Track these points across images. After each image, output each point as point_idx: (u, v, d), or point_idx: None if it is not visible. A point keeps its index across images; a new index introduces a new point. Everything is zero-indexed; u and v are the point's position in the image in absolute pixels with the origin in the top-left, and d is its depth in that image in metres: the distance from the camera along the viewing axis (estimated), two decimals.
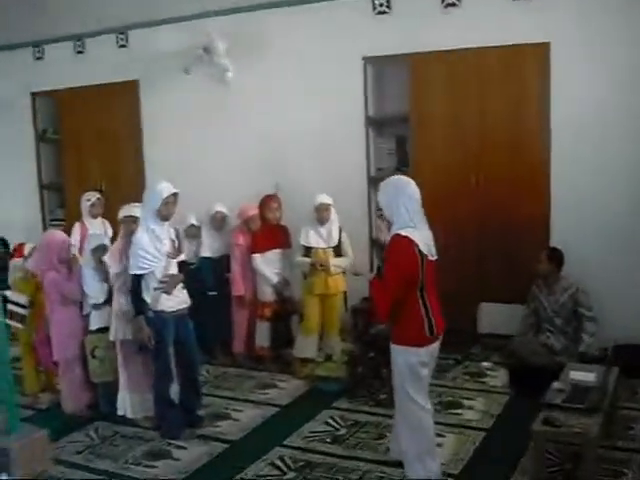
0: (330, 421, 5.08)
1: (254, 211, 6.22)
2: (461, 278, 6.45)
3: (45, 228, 8.42)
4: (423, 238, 3.94)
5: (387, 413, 5.08)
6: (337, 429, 4.95)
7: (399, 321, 3.99)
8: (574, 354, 5.39)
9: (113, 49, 7.83)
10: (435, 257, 4.04)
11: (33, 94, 8.43)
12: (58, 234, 5.63)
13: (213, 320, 6.37)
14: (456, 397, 5.38)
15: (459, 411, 5.14)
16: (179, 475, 4.42)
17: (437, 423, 4.74)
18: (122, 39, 7.77)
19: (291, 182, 6.90)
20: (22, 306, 5.62)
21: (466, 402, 5.28)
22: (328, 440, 4.78)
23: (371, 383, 5.48)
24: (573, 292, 5.55)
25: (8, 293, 5.70)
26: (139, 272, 4.73)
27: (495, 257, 6.41)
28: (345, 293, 6.10)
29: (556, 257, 5.65)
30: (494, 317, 6.50)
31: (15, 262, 5.92)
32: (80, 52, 8.05)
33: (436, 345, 4.10)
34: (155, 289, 4.78)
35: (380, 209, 4.15)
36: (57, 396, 5.66)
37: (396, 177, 4.17)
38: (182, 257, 5.05)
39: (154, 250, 4.74)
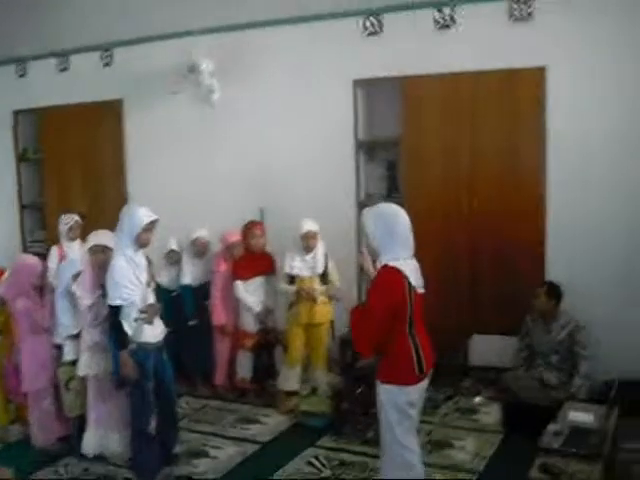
0: (314, 461, 4.81)
1: (236, 237, 5.99)
2: (453, 308, 6.25)
3: (25, 249, 8.15)
4: (411, 271, 3.71)
5: (375, 453, 4.76)
6: (321, 470, 4.68)
7: (386, 358, 3.75)
8: (571, 390, 5.15)
9: (97, 67, 7.59)
10: (423, 290, 3.80)
11: (15, 112, 8.18)
12: (30, 259, 5.37)
13: (194, 350, 6.15)
14: (447, 436, 5.11)
15: (449, 452, 4.87)
16: None
17: (426, 465, 4.45)
18: (107, 57, 7.54)
19: (277, 206, 6.71)
20: None
21: (457, 442, 5.01)
22: None
23: (358, 420, 5.22)
24: (571, 329, 5.30)
25: None
26: (120, 303, 4.44)
27: (488, 286, 6.19)
28: (332, 322, 5.84)
29: (555, 293, 5.39)
30: (486, 349, 6.26)
31: None
32: (64, 69, 7.81)
33: (425, 383, 3.85)
34: (136, 320, 4.52)
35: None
36: (27, 428, 5.37)
37: (385, 205, 3.90)
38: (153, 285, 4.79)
39: (134, 279, 4.48)
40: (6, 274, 5.57)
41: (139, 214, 4.49)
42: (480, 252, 6.17)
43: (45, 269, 5.32)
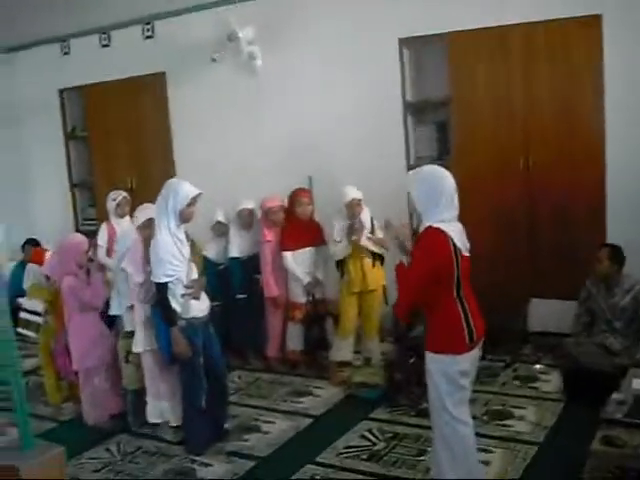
0: (367, 434, 4.67)
1: (274, 202, 5.83)
2: (510, 272, 6.03)
3: (77, 228, 8.19)
4: (457, 232, 3.51)
5: (429, 424, 4.64)
6: (374, 443, 4.54)
7: (434, 325, 3.55)
8: (636, 356, 4.88)
9: (139, 41, 7.52)
10: (468, 253, 3.58)
11: (61, 91, 8.18)
12: (75, 237, 5.35)
13: (244, 323, 6.06)
14: (505, 406, 4.90)
15: (508, 422, 4.65)
16: None
17: (483, 436, 4.37)
18: (148, 30, 7.45)
19: (325, 173, 6.52)
20: (37, 314, 5.39)
21: (516, 411, 4.79)
22: (364, 457, 4.37)
23: (411, 390, 5.07)
24: (636, 293, 4.99)
25: (22, 300, 5.46)
26: (166, 280, 4.35)
27: (546, 249, 5.95)
28: (384, 287, 5.64)
29: (618, 257, 5.05)
30: (546, 314, 6.01)
31: (31, 267, 5.62)
32: (106, 45, 7.76)
33: (477, 351, 3.63)
34: (183, 295, 4.44)
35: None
36: (80, 406, 5.37)
37: (429, 167, 3.69)
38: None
39: (179, 254, 4.38)
40: (49, 254, 5.58)
41: (184, 189, 4.39)
42: (537, 212, 5.93)
43: (91, 247, 5.28)
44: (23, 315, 5.45)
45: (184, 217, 4.40)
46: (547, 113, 5.81)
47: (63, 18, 7.56)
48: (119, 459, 4.63)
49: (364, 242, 5.43)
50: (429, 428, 4.48)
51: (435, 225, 3.45)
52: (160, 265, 4.31)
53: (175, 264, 4.34)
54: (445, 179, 3.51)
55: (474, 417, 4.59)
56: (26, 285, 5.46)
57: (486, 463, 4.11)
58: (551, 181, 5.84)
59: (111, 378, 5.14)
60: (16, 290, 7.78)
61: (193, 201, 4.39)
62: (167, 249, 4.31)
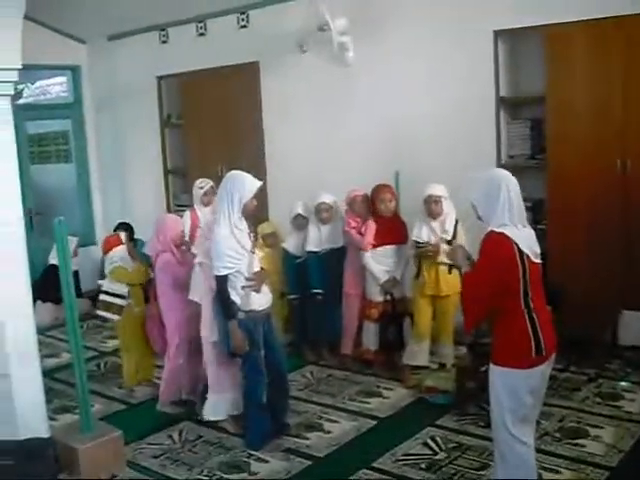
0: (430, 442, 4.50)
1: (358, 192, 5.74)
2: (600, 281, 5.67)
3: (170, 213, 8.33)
4: (524, 237, 3.30)
5: None
6: (436, 452, 4.36)
7: (499, 336, 3.37)
8: None
9: (234, 30, 7.51)
10: (539, 259, 3.36)
11: (159, 78, 8.32)
12: (173, 218, 5.51)
13: (320, 318, 5.98)
14: (581, 423, 4.60)
15: (582, 441, 4.36)
16: None
17: (553, 455, 4.17)
18: (243, 19, 7.45)
19: (413, 170, 6.31)
20: (119, 296, 5.47)
21: (592, 430, 4.49)
22: (423, 466, 4.20)
23: (483, 400, 4.84)
24: None
25: (103, 282, 5.56)
26: (226, 272, 4.31)
27: None
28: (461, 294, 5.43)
29: None
30: (639, 328, 5.62)
31: (115, 251, 5.69)
32: (202, 34, 7.82)
33: (546, 366, 3.39)
34: (243, 288, 4.39)
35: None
36: (152, 390, 5.47)
37: (489, 171, 3.57)
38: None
39: (239, 247, 4.33)
40: (123, 236, 5.67)
41: (249, 181, 4.36)
42: (633, 217, 5.52)
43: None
44: (103, 297, 5.55)
45: (248, 209, 4.36)
46: None
47: (162, 7, 7.64)
48: (179, 447, 4.65)
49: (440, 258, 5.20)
50: None
51: (498, 230, 3.27)
52: (220, 258, 4.27)
53: (235, 257, 4.30)
54: (504, 181, 3.33)
55: (546, 433, 4.44)
56: (107, 269, 5.53)
57: None
58: None
59: (190, 360, 5.15)
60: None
61: (256, 193, 4.34)
62: (227, 242, 4.27)
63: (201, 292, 4.78)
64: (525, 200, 6.06)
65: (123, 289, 5.47)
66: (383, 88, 6.65)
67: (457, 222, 5.35)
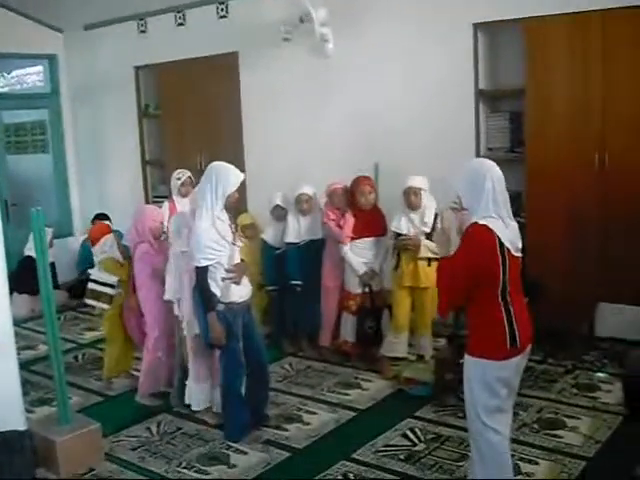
0: (409, 433, 4.51)
1: (339, 185, 5.75)
2: (578, 274, 5.71)
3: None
4: (507, 231, 3.30)
5: None
6: (415, 444, 4.37)
7: (475, 328, 3.40)
8: None
9: (213, 20, 7.46)
10: (519, 254, 3.37)
11: (136, 68, 8.25)
12: (152, 208, 5.46)
13: (298, 310, 5.99)
14: (559, 415, 4.63)
15: (559, 432, 4.39)
16: None
17: (531, 445, 4.20)
18: (222, 9, 7.39)
19: (392, 162, 6.32)
20: (109, 285, 5.42)
21: (570, 422, 4.52)
22: (402, 457, 4.21)
23: (461, 391, 4.85)
24: None
25: (92, 271, 5.50)
26: (206, 264, 4.28)
27: (619, 253, 5.57)
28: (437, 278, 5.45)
29: None
30: (615, 320, 5.66)
31: (105, 241, 5.63)
32: (181, 24, 7.75)
33: (521, 358, 3.41)
34: (223, 279, 4.37)
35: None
36: (130, 382, 5.44)
37: (473, 161, 3.58)
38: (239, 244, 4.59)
39: (220, 238, 4.30)
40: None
41: (233, 173, 4.35)
42: (611, 211, 5.57)
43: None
44: (92, 286, 5.48)
45: (230, 201, 4.35)
46: (627, 109, 5.44)
47: None
48: (157, 439, 4.63)
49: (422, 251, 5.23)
50: None
51: (482, 222, 3.27)
52: (200, 249, 4.25)
53: (216, 248, 4.28)
54: (488, 174, 3.30)
55: (524, 424, 4.47)
56: (98, 258, 5.45)
57: (529, 475, 3.91)
58: (628, 179, 5.48)
59: (168, 352, 5.14)
60: (85, 264, 7.95)
61: (238, 186, 4.34)
62: (208, 233, 4.25)
63: (175, 289, 4.77)
64: None
65: (113, 278, 5.41)
66: (363, 80, 6.64)
67: (437, 215, 5.35)
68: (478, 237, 3.28)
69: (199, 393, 4.81)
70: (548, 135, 5.81)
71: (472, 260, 3.26)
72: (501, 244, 3.25)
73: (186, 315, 4.71)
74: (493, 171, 3.33)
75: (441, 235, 4.02)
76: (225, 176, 4.31)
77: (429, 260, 5.23)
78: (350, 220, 5.60)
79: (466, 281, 3.29)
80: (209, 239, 4.24)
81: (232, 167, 4.39)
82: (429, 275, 5.16)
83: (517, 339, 3.29)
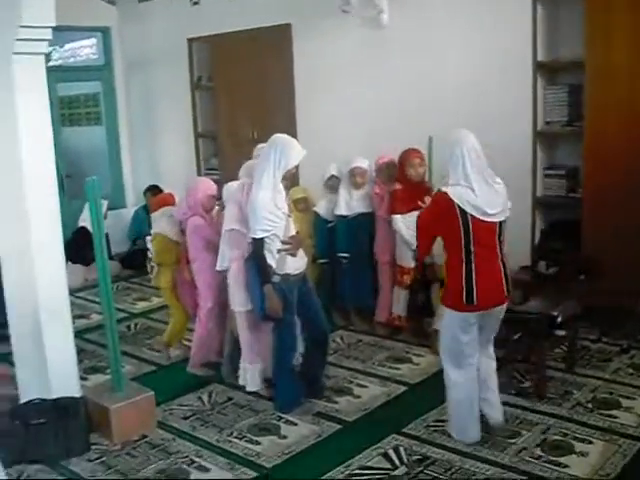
0: None
1: (386, 158, 5.68)
2: (636, 252, 5.52)
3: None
4: (475, 197, 3.66)
5: (527, 405, 4.43)
6: None
7: (446, 281, 3.94)
8: None
9: None
10: (496, 218, 3.75)
11: (189, 40, 8.24)
12: (204, 180, 5.45)
13: (350, 283, 5.94)
14: (614, 395, 4.54)
15: (614, 412, 4.30)
16: (281, 456, 4.03)
17: (585, 425, 4.15)
18: None
19: (446, 136, 6.19)
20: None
21: (625, 402, 4.43)
22: None
23: (514, 368, 4.82)
24: None
25: (148, 239, 5.54)
26: (263, 235, 4.27)
27: None
28: None
29: None
30: None
31: (163, 211, 5.65)
32: None
33: (483, 314, 3.85)
34: (279, 251, 4.35)
35: None
36: (182, 352, 5.50)
37: (455, 131, 3.88)
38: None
39: (277, 210, 4.29)
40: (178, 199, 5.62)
41: (297, 148, 4.34)
42: None
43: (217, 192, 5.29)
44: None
45: (290, 174, 4.37)
46: None
47: None
48: (209, 408, 4.67)
49: None
50: (527, 409, 4.35)
51: (444, 189, 3.73)
52: (258, 220, 4.24)
53: (273, 219, 4.26)
54: (466, 139, 3.74)
55: (578, 404, 4.40)
56: (155, 226, 5.46)
57: (584, 454, 3.85)
58: None
59: (220, 324, 5.18)
60: (137, 232, 8.07)
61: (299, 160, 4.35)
62: (267, 205, 4.23)
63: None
64: (559, 168, 6.06)
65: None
66: (418, 52, 6.53)
67: None
68: (435, 203, 3.87)
69: (254, 374, 4.81)
70: (609, 108, 5.61)
71: (427, 222, 3.89)
72: (462, 210, 3.64)
73: (232, 290, 4.72)
74: (465, 140, 3.74)
75: None
76: (290, 149, 4.29)
77: None
78: (398, 193, 5.55)
79: (425, 237, 3.95)
80: (266, 210, 4.23)
81: (295, 141, 4.39)
82: None
83: (473, 298, 3.71)
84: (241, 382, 4.86)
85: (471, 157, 3.69)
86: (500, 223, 3.79)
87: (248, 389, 4.81)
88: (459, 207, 3.65)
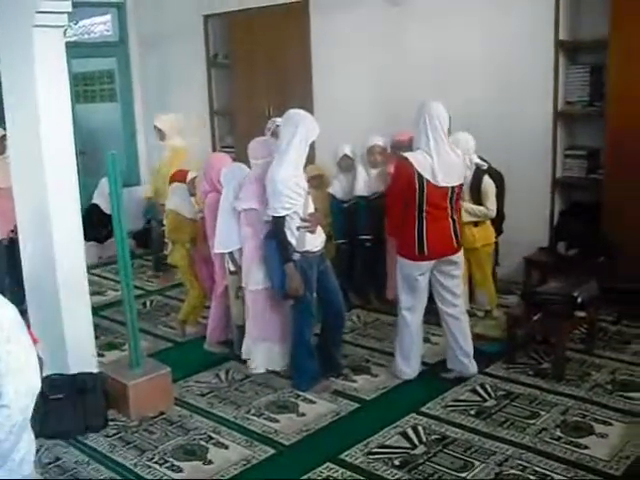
0: (479, 389, 4.45)
1: (405, 136, 5.53)
2: None
3: None
4: (432, 162, 4.10)
5: (546, 386, 4.40)
6: (485, 399, 4.32)
7: (401, 234, 4.37)
8: None
9: None
10: (449, 184, 4.19)
11: (206, 16, 8.17)
12: (220, 156, 5.44)
13: (368, 264, 5.91)
14: (634, 377, 4.51)
15: (633, 395, 4.26)
16: (300, 434, 4.03)
17: (604, 407, 4.12)
18: None
19: (465, 114, 6.12)
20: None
21: None
22: (472, 412, 4.17)
23: (533, 348, 4.79)
24: None
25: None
26: (284, 213, 4.24)
27: None
28: (496, 244, 5.54)
29: None
30: None
31: (176, 186, 5.60)
32: None
33: (435, 263, 4.34)
34: (298, 228, 4.32)
35: None
36: (198, 329, 5.49)
37: (421, 101, 4.27)
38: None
39: (297, 187, 4.26)
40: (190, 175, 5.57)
41: (315, 123, 4.31)
42: None
43: None
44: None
45: (307, 151, 4.31)
46: None
47: None
48: (226, 385, 4.67)
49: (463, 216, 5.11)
50: (546, 390, 4.32)
51: (405, 155, 4.22)
52: (279, 198, 4.21)
53: (293, 197, 4.23)
54: (430, 107, 4.16)
55: (597, 385, 4.37)
56: (169, 203, 5.43)
57: (604, 436, 3.82)
58: None
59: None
60: (150, 213, 8.03)
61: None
62: (288, 182, 4.20)
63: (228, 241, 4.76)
64: (579, 148, 5.99)
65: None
66: (438, 29, 6.45)
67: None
68: (399, 175, 4.28)
69: (259, 354, 4.77)
70: (632, 89, 5.53)
71: (396, 195, 4.31)
72: (419, 174, 4.11)
73: (245, 267, 4.69)
74: (428, 107, 4.17)
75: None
76: (311, 124, 4.28)
77: (475, 223, 5.29)
78: None
79: (396, 209, 4.33)
80: (288, 188, 4.20)
81: (311, 116, 4.37)
82: (479, 236, 5.33)
83: (425, 249, 4.25)
84: (243, 356, 4.82)
85: (433, 125, 4.13)
86: (453, 187, 4.24)
87: (251, 371, 4.76)
88: (417, 172, 4.11)
